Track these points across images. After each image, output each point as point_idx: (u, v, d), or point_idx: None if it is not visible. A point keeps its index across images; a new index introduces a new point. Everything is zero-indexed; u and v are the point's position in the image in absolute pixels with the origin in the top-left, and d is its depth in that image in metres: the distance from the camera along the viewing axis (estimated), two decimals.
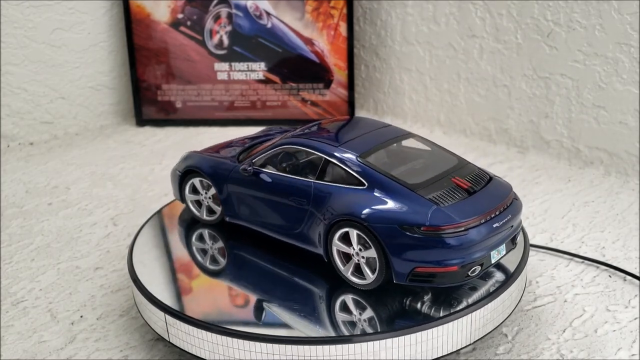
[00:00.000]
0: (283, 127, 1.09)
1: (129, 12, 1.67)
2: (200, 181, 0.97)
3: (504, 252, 0.82)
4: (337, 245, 0.82)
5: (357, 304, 0.80)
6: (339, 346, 0.73)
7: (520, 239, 0.92)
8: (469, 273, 0.77)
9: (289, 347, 0.73)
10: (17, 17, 1.59)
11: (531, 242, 1.09)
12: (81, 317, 0.94)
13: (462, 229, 0.76)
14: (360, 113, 1.78)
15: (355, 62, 1.77)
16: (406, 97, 1.70)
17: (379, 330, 0.75)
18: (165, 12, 1.68)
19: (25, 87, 1.64)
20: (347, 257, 0.82)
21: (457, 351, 0.80)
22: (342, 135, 0.89)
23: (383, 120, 1.72)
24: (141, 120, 1.74)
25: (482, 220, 0.77)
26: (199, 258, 0.93)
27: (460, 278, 0.77)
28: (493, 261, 0.80)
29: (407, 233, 0.76)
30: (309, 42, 1.67)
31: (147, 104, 1.73)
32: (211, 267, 0.91)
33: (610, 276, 1.00)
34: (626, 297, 0.94)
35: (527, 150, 1.47)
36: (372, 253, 0.78)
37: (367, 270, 0.80)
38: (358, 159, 0.82)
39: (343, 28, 1.65)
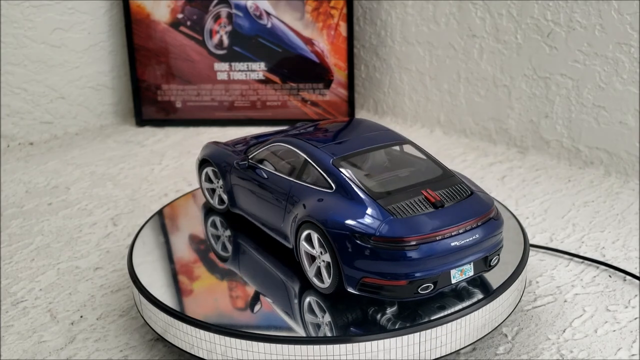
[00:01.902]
0: (307, 124, 1.09)
1: (129, 12, 1.67)
2: (213, 171, 1.00)
3: (471, 273, 0.78)
4: (303, 246, 0.82)
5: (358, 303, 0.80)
6: (337, 346, 0.73)
7: (519, 239, 0.92)
8: (419, 290, 0.75)
9: (289, 347, 0.73)
10: (17, 17, 1.60)
11: (531, 242, 1.09)
12: (81, 317, 0.94)
13: (413, 243, 0.73)
14: (360, 113, 1.78)
15: (355, 62, 1.77)
16: (406, 97, 1.70)
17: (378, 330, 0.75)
18: (165, 12, 1.68)
19: (25, 87, 1.64)
20: (313, 259, 0.82)
21: (457, 351, 0.80)
22: (330, 137, 0.90)
23: (383, 120, 1.73)
24: (141, 120, 1.74)
25: (439, 237, 0.74)
26: (200, 258, 0.93)
27: (410, 294, 0.75)
28: (454, 281, 0.76)
29: (358, 241, 0.74)
30: (309, 42, 1.67)
31: (147, 104, 1.73)
32: (211, 266, 0.91)
33: (610, 276, 1.00)
34: (626, 297, 0.94)
35: (527, 150, 1.47)
36: (328, 257, 0.78)
37: (325, 274, 0.80)
38: (332, 162, 0.82)
39: (343, 28, 1.65)
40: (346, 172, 0.80)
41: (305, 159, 0.85)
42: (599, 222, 1.16)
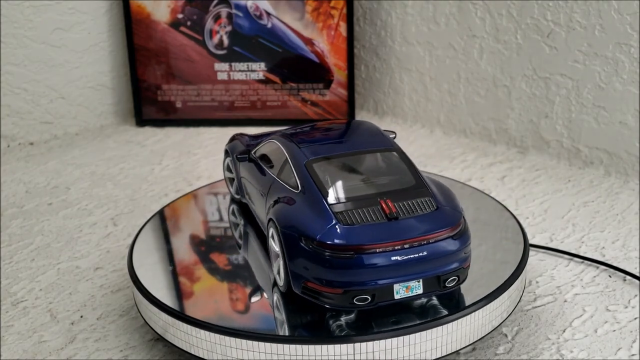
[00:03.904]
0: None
1: (129, 12, 1.67)
2: (231, 161, 1.04)
3: (420, 291, 0.75)
4: (270, 242, 0.82)
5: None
6: (338, 346, 0.73)
7: (519, 239, 0.92)
8: (355, 300, 0.74)
9: (289, 346, 0.73)
10: (17, 17, 1.60)
11: (531, 242, 1.09)
12: (81, 317, 0.95)
13: (351, 252, 0.72)
14: (360, 113, 1.78)
15: (355, 62, 1.77)
16: (406, 97, 1.70)
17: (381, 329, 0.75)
18: (165, 12, 1.68)
19: (25, 87, 1.64)
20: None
21: (457, 351, 0.80)
22: (318, 137, 0.90)
23: (383, 120, 1.73)
24: (141, 120, 1.74)
25: (379, 250, 0.73)
26: (199, 257, 0.93)
27: (346, 303, 0.74)
28: (397, 297, 0.74)
29: (302, 244, 0.74)
30: (309, 42, 1.67)
31: (147, 104, 1.73)
32: (211, 267, 0.91)
33: (610, 276, 1.00)
34: (626, 297, 0.94)
35: (527, 150, 1.47)
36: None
37: (281, 272, 0.80)
38: (305, 162, 0.82)
39: (343, 28, 1.65)
40: (314, 174, 0.80)
41: (286, 158, 0.85)
42: (598, 222, 1.16)
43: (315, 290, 0.75)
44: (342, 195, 0.78)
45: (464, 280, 0.79)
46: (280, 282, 0.81)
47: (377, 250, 0.73)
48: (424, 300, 0.79)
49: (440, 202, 0.79)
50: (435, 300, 0.79)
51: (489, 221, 0.99)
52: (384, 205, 0.76)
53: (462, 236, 0.77)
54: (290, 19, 1.66)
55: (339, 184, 0.80)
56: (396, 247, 0.73)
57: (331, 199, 0.77)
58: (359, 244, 0.73)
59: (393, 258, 0.73)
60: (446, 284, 0.76)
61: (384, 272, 0.73)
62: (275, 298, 0.82)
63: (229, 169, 1.06)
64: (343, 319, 0.76)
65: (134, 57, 1.70)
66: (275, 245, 0.81)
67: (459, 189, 1.10)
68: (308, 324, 0.76)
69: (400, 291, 0.75)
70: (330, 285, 0.73)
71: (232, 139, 1.05)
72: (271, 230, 0.81)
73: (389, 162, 0.85)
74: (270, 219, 0.81)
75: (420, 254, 0.74)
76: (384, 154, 0.86)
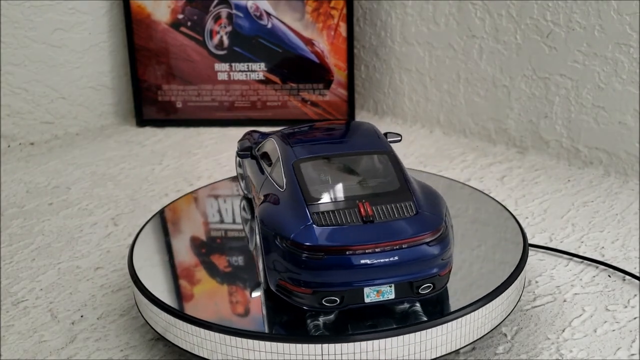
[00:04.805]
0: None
1: (130, 12, 1.67)
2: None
3: (391, 296, 0.74)
4: (255, 239, 0.83)
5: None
6: (338, 345, 0.73)
7: (519, 239, 0.92)
8: (324, 301, 0.74)
9: (289, 345, 0.74)
10: (18, 17, 1.60)
11: (530, 241, 1.09)
12: (82, 316, 0.95)
13: (321, 253, 0.72)
14: (360, 113, 1.78)
15: (355, 63, 1.77)
16: (406, 98, 1.70)
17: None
18: (165, 13, 1.68)
19: (25, 87, 1.64)
20: None
21: (457, 351, 0.80)
22: (313, 137, 0.90)
23: (383, 120, 1.73)
24: (141, 120, 1.74)
25: (348, 252, 0.72)
26: (200, 258, 0.93)
27: (315, 304, 0.74)
28: (368, 300, 0.74)
29: (277, 242, 0.75)
30: (309, 42, 1.67)
31: (148, 104, 1.73)
32: (211, 268, 0.91)
33: (609, 276, 1.00)
34: (625, 296, 0.95)
35: (526, 150, 1.47)
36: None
37: (261, 270, 0.81)
38: (293, 162, 0.82)
39: (343, 28, 1.65)
40: (298, 174, 0.80)
41: (278, 156, 0.86)
42: (598, 222, 1.16)
43: (288, 289, 0.75)
44: (322, 196, 0.78)
45: (442, 288, 0.78)
46: (261, 279, 0.81)
47: (346, 253, 0.72)
48: (422, 299, 0.79)
49: (421, 207, 0.77)
50: (434, 300, 0.79)
51: (488, 221, 1.00)
52: (361, 208, 0.76)
53: (440, 243, 0.75)
54: (291, 19, 1.66)
55: (322, 185, 0.80)
56: (367, 251, 0.72)
57: (311, 199, 0.77)
58: (329, 245, 0.72)
59: (362, 261, 0.72)
60: (420, 290, 0.75)
61: (353, 275, 0.73)
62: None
63: (239, 165, 1.07)
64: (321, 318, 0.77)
65: (135, 57, 1.70)
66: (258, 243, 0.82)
67: (459, 189, 1.10)
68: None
69: (371, 295, 0.74)
70: (301, 285, 0.74)
71: (244, 135, 1.06)
72: (257, 228, 0.82)
73: (378, 164, 0.84)
74: (255, 216, 0.82)
75: (392, 259, 0.73)
76: (375, 157, 0.85)
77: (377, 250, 0.72)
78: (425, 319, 0.76)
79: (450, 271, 0.78)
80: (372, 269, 0.73)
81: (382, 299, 0.74)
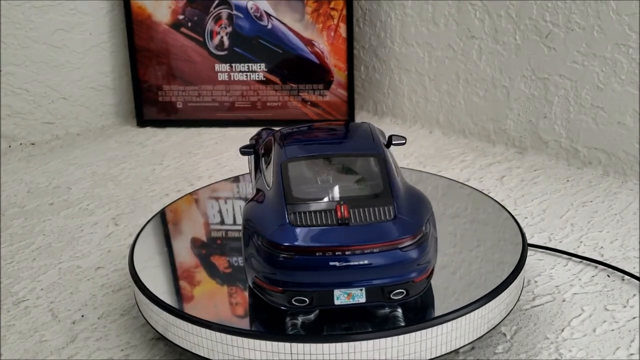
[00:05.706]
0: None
1: (130, 13, 1.68)
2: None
3: (362, 300, 0.74)
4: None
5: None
6: (338, 344, 0.73)
7: (518, 239, 0.92)
8: (293, 301, 0.74)
9: (290, 344, 0.74)
10: (19, 17, 1.60)
11: (530, 241, 1.09)
12: (82, 316, 0.95)
13: (292, 253, 0.72)
14: (360, 114, 1.78)
15: (355, 63, 1.77)
16: (405, 98, 1.70)
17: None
18: (166, 13, 1.68)
19: (26, 87, 1.65)
20: None
21: (456, 350, 0.80)
22: (306, 138, 0.90)
23: (383, 121, 1.73)
24: (142, 120, 1.75)
25: (318, 253, 0.72)
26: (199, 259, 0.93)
27: (285, 303, 0.74)
28: (338, 302, 0.73)
29: (254, 240, 0.75)
30: (309, 43, 1.67)
31: (148, 105, 1.74)
32: (211, 268, 0.92)
33: (608, 276, 1.00)
34: (624, 296, 0.95)
35: (525, 150, 1.48)
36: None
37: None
38: (281, 162, 0.82)
39: (343, 29, 1.66)
40: (284, 174, 0.80)
41: (272, 155, 0.86)
42: (597, 222, 1.17)
43: (261, 287, 0.76)
44: (303, 197, 0.78)
45: (418, 294, 0.76)
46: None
47: (316, 254, 0.72)
48: (421, 299, 0.79)
49: (400, 212, 0.76)
50: (434, 300, 0.79)
51: (487, 221, 1.00)
52: (338, 210, 0.75)
53: (417, 249, 0.74)
54: (291, 20, 1.66)
55: (305, 185, 0.80)
56: (336, 253, 0.72)
57: (292, 199, 0.77)
58: (300, 245, 0.72)
59: (331, 263, 0.72)
60: (391, 296, 0.74)
61: (322, 277, 0.72)
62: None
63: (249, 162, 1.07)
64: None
65: (135, 58, 1.70)
66: None
67: (458, 189, 1.11)
68: (311, 323, 0.77)
69: (341, 297, 0.74)
70: (272, 283, 0.74)
71: (256, 133, 1.04)
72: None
73: (366, 167, 0.83)
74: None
75: (361, 262, 0.72)
76: (364, 159, 0.84)
77: (347, 252, 0.72)
78: (425, 319, 0.76)
79: (429, 277, 0.77)
80: (342, 271, 0.72)
81: (352, 302, 0.74)
